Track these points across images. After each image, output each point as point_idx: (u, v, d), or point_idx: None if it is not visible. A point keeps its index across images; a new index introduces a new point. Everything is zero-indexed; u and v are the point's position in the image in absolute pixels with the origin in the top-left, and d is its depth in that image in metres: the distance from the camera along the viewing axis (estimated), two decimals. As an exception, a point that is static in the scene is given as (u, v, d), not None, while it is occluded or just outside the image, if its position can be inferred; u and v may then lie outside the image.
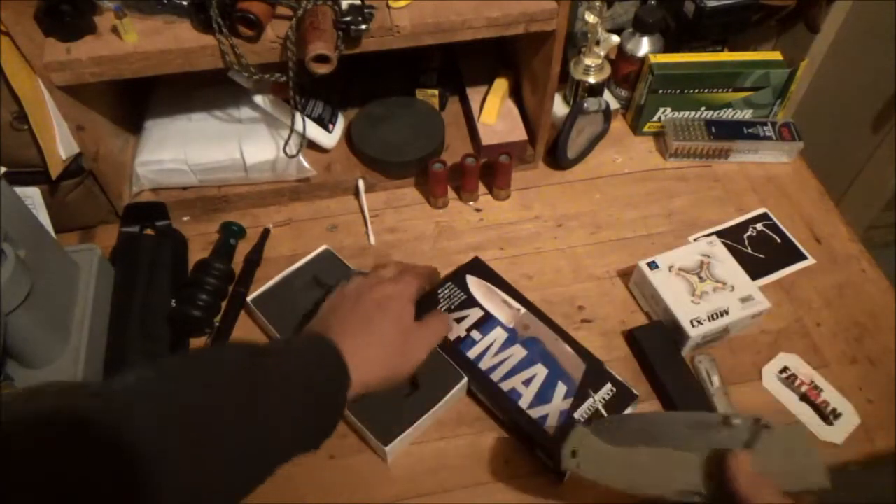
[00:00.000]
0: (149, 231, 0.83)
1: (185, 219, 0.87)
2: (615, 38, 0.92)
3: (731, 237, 0.85)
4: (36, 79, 0.68)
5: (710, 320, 0.72)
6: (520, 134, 0.90)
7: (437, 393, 0.68)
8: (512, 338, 0.72)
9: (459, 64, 0.97)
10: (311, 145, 0.88)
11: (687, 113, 0.95)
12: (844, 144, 1.38)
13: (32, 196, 0.73)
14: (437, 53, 0.95)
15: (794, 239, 0.86)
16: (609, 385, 0.68)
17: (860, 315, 0.79)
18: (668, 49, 0.94)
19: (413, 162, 0.88)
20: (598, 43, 0.90)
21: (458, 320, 0.73)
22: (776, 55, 0.93)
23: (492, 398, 0.68)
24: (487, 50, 0.95)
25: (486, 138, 0.89)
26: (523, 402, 0.67)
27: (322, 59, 0.65)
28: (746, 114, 0.96)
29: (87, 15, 0.68)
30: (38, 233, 0.67)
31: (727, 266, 0.76)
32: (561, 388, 0.68)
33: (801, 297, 0.80)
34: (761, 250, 0.84)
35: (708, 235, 0.84)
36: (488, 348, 0.71)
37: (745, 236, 0.86)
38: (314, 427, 0.50)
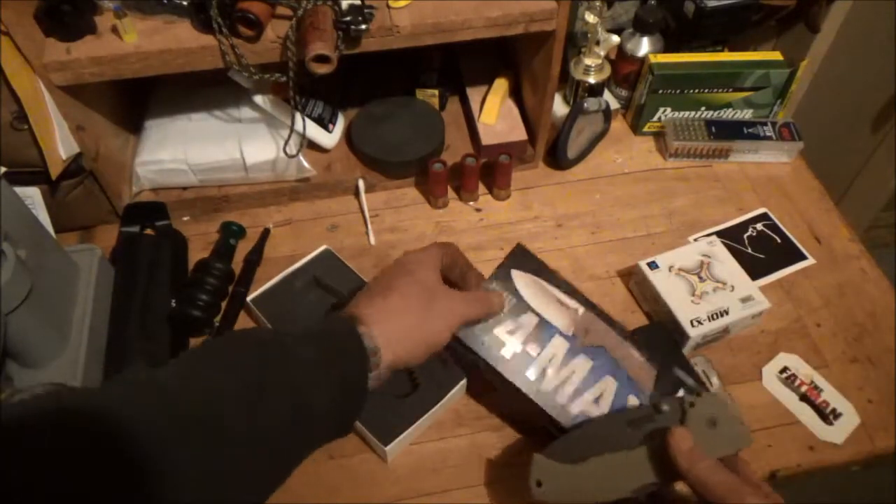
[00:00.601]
0: (149, 231, 0.83)
1: (185, 219, 0.87)
2: (615, 38, 0.92)
3: (731, 237, 0.85)
4: (36, 79, 0.68)
5: (710, 320, 0.72)
6: (520, 134, 0.90)
7: (437, 393, 0.68)
8: (574, 347, 0.61)
9: (459, 64, 0.97)
10: (311, 145, 0.88)
11: (687, 113, 0.95)
12: (844, 144, 1.38)
13: (32, 196, 0.73)
14: (437, 53, 0.95)
15: (794, 239, 0.86)
16: (682, 391, 0.67)
17: (860, 315, 0.79)
18: (668, 49, 0.94)
19: (413, 162, 0.88)
20: (598, 43, 0.90)
21: (511, 332, 0.60)
22: (776, 55, 0.93)
23: (559, 426, 0.60)
24: (487, 50, 0.95)
25: (486, 138, 0.89)
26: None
27: (322, 59, 0.65)
28: (746, 114, 0.96)
29: (87, 15, 0.68)
30: (38, 233, 0.67)
31: (727, 266, 0.76)
32: (633, 403, 0.61)
33: (801, 297, 0.80)
34: (761, 250, 0.84)
35: (708, 235, 0.84)
36: (549, 364, 0.60)
37: (745, 236, 0.86)
38: (338, 412, 0.49)
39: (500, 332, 0.60)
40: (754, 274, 0.79)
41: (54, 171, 0.72)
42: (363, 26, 0.68)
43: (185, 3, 0.68)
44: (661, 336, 0.74)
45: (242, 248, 0.83)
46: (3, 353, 0.61)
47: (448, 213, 0.89)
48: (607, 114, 0.92)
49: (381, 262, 0.83)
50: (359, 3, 0.69)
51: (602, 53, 0.91)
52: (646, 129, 0.97)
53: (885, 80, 1.26)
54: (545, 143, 0.91)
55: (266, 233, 0.85)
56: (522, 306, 0.61)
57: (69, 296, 0.70)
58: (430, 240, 0.85)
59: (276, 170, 0.85)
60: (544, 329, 0.61)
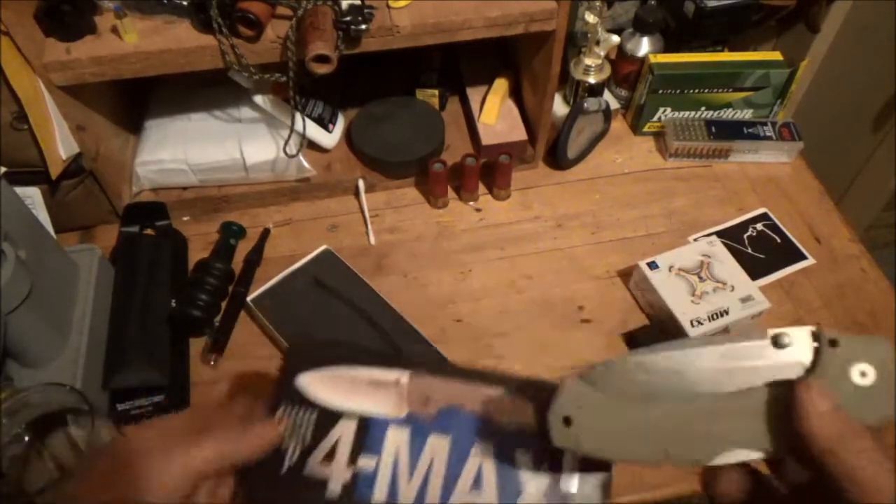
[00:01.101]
0: (149, 231, 0.83)
1: (185, 219, 0.87)
2: (615, 38, 0.92)
3: (731, 237, 0.85)
4: (36, 79, 0.68)
5: (710, 320, 0.72)
6: (520, 134, 0.90)
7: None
8: (418, 428, 0.43)
9: (459, 64, 0.97)
10: (311, 145, 0.88)
11: (687, 113, 0.95)
12: (844, 144, 1.38)
13: (32, 196, 0.73)
14: (437, 53, 0.95)
15: (794, 239, 0.86)
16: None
17: (860, 315, 0.79)
18: (668, 49, 0.94)
19: (413, 162, 0.88)
20: (598, 43, 0.90)
21: (328, 458, 0.42)
22: (776, 55, 0.93)
23: None
24: (487, 50, 0.95)
25: (486, 138, 0.89)
26: None
27: (322, 59, 0.65)
28: (746, 114, 0.96)
29: (87, 15, 0.68)
30: (38, 233, 0.67)
31: (727, 266, 0.76)
32: (523, 459, 0.42)
33: (801, 297, 0.80)
34: (761, 250, 0.84)
35: (708, 235, 0.84)
36: (395, 469, 0.42)
37: (745, 236, 0.86)
38: None
39: (312, 469, 0.41)
40: (754, 274, 0.79)
41: (54, 171, 0.72)
42: (363, 26, 0.68)
43: (185, 3, 0.68)
44: (660, 336, 0.74)
45: (242, 248, 0.83)
46: (3, 353, 0.61)
47: (448, 213, 0.89)
48: (607, 114, 0.92)
49: (382, 262, 0.83)
50: (359, 3, 0.69)
51: (602, 53, 0.91)
52: (646, 129, 0.97)
53: (885, 80, 1.26)
54: (545, 143, 0.91)
55: (266, 233, 0.85)
56: (329, 417, 0.43)
57: (69, 296, 0.70)
58: (429, 240, 0.85)
59: (276, 170, 0.85)
60: (370, 429, 0.43)
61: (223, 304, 0.77)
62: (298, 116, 0.77)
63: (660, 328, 0.75)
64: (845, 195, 1.51)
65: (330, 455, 0.42)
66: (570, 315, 0.78)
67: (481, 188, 0.90)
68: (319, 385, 0.44)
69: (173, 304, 0.74)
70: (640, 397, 0.36)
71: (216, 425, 0.39)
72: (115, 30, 0.68)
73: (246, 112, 0.85)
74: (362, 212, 0.88)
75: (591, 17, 0.87)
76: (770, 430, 0.35)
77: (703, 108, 0.94)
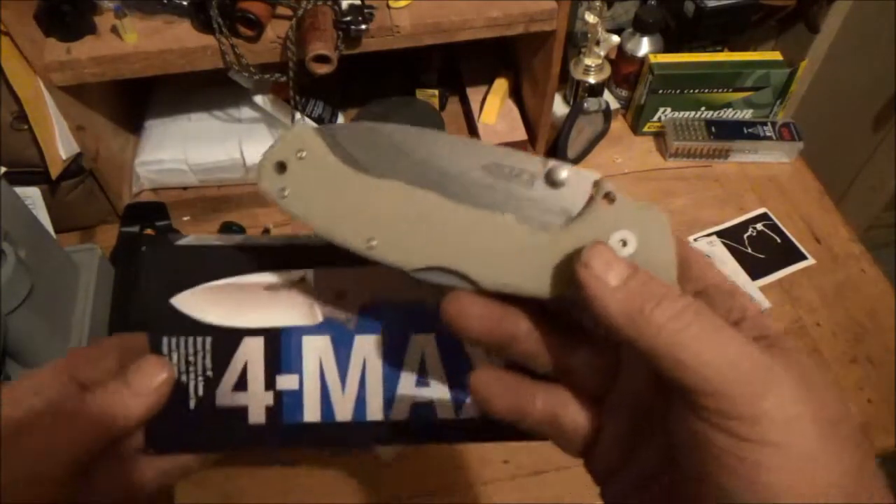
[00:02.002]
0: (149, 231, 0.83)
1: (185, 219, 0.87)
2: (615, 38, 0.92)
3: (731, 237, 0.85)
4: (36, 79, 0.68)
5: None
6: (520, 134, 0.90)
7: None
8: (340, 331, 0.34)
9: (459, 64, 0.97)
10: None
11: (687, 113, 0.95)
12: (844, 144, 1.38)
13: (32, 196, 0.73)
14: (437, 53, 0.95)
15: (794, 239, 0.86)
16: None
17: (860, 315, 0.79)
18: (668, 49, 0.94)
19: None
20: (598, 43, 0.90)
21: (240, 385, 0.34)
22: (776, 55, 0.93)
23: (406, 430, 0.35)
24: (487, 50, 0.95)
25: (486, 138, 0.89)
26: (442, 409, 0.34)
27: (322, 59, 0.65)
28: (746, 114, 0.96)
29: (87, 15, 0.68)
30: (38, 233, 0.67)
31: (727, 266, 0.76)
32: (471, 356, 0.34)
33: (801, 296, 0.80)
34: (761, 250, 0.84)
35: (708, 235, 0.84)
36: (323, 383, 0.34)
37: (745, 236, 0.86)
38: None
39: (223, 400, 0.33)
40: (754, 274, 0.79)
41: (54, 171, 0.72)
42: (363, 26, 0.68)
43: (185, 3, 0.68)
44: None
45: (242, 248, 0.83)
46: (3, 353, 0.61)
47: (448, 213, 0.89)
48: (607, 114, 0.92)
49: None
50: (359, 3, 0.69)
51: (602, 53, 0.91)
52: (646, 129, 0.97)
53: (885, 80, 1.26)
54: (545, 143, 0.91)
55: (266, 233, 0.85)
56: (227, 339, 0.34)
57: (69, 296, 0.70)
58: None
59: (276, 170, 0.85)
60: (282, 343, 0.34)
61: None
62: (298, 116, 0.77)
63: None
64: (845, 195, 1.51)
65: (241, 382, 0.34)
66: (570, 315, 0.78)
67: (481, 188, 0.90)
68: (202, 303, 0.34)
69: (173, 304, 0.74)
70: (370, 168, 0.29)
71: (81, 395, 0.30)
72: (115, 30, 0.68)
73: (246, 112, 0.85)
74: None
75: (591, 17, 0.87)
76: (506, 262, 0.28)
77: (703, 108, 0.94)
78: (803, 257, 0.84)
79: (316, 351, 0.34)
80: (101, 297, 0.72)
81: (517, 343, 0.27)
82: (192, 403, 0.33)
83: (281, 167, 0.29)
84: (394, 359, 0.34)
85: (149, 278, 0.34)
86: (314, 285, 0.34)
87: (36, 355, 0.64)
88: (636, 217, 0.27)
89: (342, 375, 0.34)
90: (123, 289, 0.75)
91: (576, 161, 0.93)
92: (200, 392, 0.33)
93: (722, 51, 0.98)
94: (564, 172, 0.28)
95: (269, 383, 0.34)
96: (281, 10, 0.70)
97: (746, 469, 0.21)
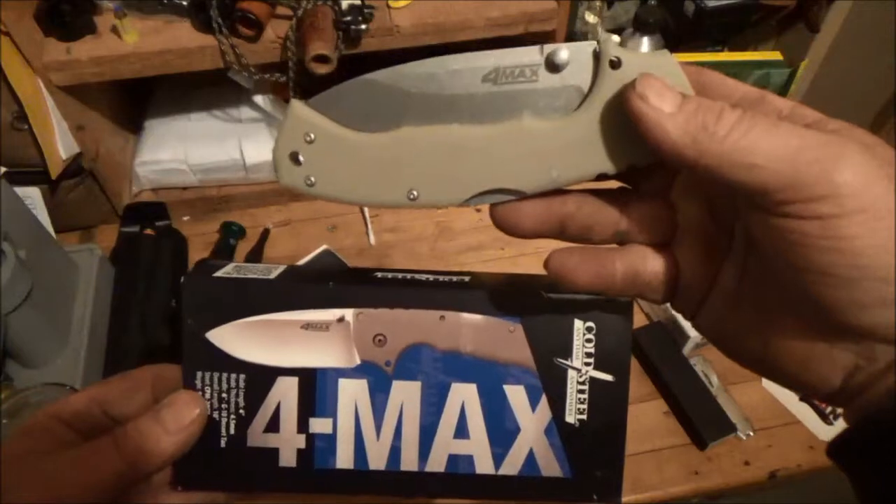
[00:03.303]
0: (149, 231, 0.83)
1: (185, 219, 0.87)
2: (615, 38, 0.92)
3: (731, 237, 0.85)
4: (36, 79, 0.68)
5: (710, 320, 0.72)
6: (520, 134, 0.90)
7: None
8: (378, 376, 0.33)
9: (459, 64, 0.97)
10: (311, 145, 0.88)
11: (687, 113, 0.95)
12: (844, 144, 1.38)
13: (32, 196, 0.73)
14: (437, 53, 0.95)
15: (794, 239, 0.85)
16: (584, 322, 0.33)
17: (860, 315, 0.79)
18: (668, 49, 0.94)
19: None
20: (598, 43, 0.90)
21: (272, 426, 0.33)
22: (776, 55, 0.93)
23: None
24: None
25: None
26: (481, 464, 0.33)
27: (322, 59, 0.65)
28: (746, 114, 0.96)
29: (87, 15, 0.68)
30: (38, 233, 0.67)
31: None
32: (515, 394, 0.33)
33: (801, 297, 0.80)
34: (761, 250, 0.84)
35: (708, 235, 0.84)
36: (358, 429, 0.33)
37: (745, 236, 0.86)
38: None
39: (255, 440, 0.33)
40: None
41: (54, 171, 0.72)
42: (363, 26, 0.68)
43: (185, 3, 0.68)
44: (661, 336, 0.74)
45: (242, 248, 0.83)
46: (3, 353, 0.61)
47: (448, 213, 0.89)
48: (607, 114, 0.92)
49: (382, 262, 0.83)
50: (359, 3, 0.69)
51: (602, 53, 0.91)
52: (646, 129, 0.97)
53: (885, 80, 1.26)
54: (545, 143, 0.91)
55: (266, 233, 0.85)
56: (261, 377, 0.33)
57: (69, 296, 0.70)
58: (429, 240, 0.85)
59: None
60: (317, 385, 0.33)
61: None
62: (292, 100, 0.77)
63: (660, 328, 0.75)
64: (845, 195, 1.51)
65: (274, 423, 0.33)
66: (570, 315, 0.78)
67: (481, 188, 0.90)
68: (238, 339, 0.33)
69: (173, 304, 0.74)
70: (380, 125, 0.28)
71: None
72: (115, 30, 0.68)
73: (246, 112, 0.85)
74: (362, 212, 0.88)
75: (591, 17, 0.87)
76: (542, 161, 0.28)
77: (703, 108, 0.94)
78: (803, 257, 0.84)
79: (352, 395, 0.33)
80: (101, 297, 0.72)
81: (571, 221, 0.28)
82: (223, 442, 0.33)
83: (295, 158, 0.28)
84: (432, 407, 0.33)
85: (188, 309, 0.33)
86: (353, 326, 0.33)
87: (36, 355, 0.65)
88: (646, 65, 0.27)
89: (377, 422, 0.33)
90: (123, 289, 0.75)
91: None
92: (232, 430, 0.33)
93: (722, 51, 0.98)
94: (564, 53, 0.27)
95: (302, 426, 0.33)
96: (281, 10, 0.70)
97: (836, 244, 0.22)
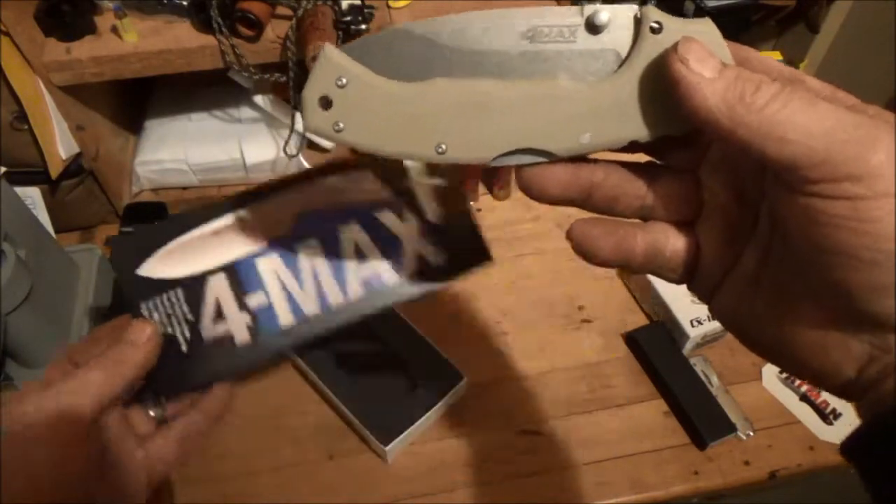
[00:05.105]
0: (149, 231, 0.83)
1: (185, 219, 0.87)
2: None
3: (731, 237, 0.85)
4: (36, 79, 0.68)
5: (710, 320, 0.72)
6: (520, 134, 0.90)
7: (437, 393, 0.68)
8: (284, 248, 0.41)
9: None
10: (311, 145, 0.88)
11: (687, 113, 0.95)
12: (844, 144, 1.38)
13: (32, 196, 0.73)
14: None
15: (794, 239, 0.85)
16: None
17: (860, 315, 0.79)
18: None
19: (413, 162, 0.87)
20: (598, 43, 0.90)
21: (218, 317, 0.40)
22: (776, 55, 0.93)
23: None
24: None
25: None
26: (387, 276, 0.40)
27: (322, 59, 0.65)
28: (746, 114, 0.96)
29: (87, 15, 0.68)
30: (38, 233, 0.67)
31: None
32: (387, 218, 0.41)
33: (801, 297, 0.80)
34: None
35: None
36: (286, 290, 0.40)
37: (745, 236, 0.86)
38: None
39: (209, 333, 0.39)
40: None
41: (54, 171, 0.72)
42: (363, 26, 0.68)
43: (185, 3, 0.68)
44: (661, 336, 0.74)
45: (242, 248, 0.83)
46: (3, 353, 0.61)
47: (448, 213, 0.89)
48: (607, 114, 0.92)
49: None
50: (359, 3, 0.69)
51: (602, 53, 0.91)
52: (646, 129, 0.97)
53: (885, 80, 1.26)
54: (545, 143, 0.91)
55: (266, 233, 0.85)
56: (194, 285, 0.40)
57: (69, 296, 0.70)
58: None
59: (276, 170, 0.85)
60: (239, 272, 0.40)
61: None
62: (298, 116, 0.77)
63: (660, 328, 0.75)
64: (845, 195, 1.51)
65: (219, 314, 0.40)
66: (570, 315, 0.78)
67: (481, 188, 0.90)
68: (163, 265, 0.40)
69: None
70: (413, 75, 0.28)
71: (89, 358, 0.36)
72: (115, 30, 0.68)
73: (246, 112, 0.85)
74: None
75: (591, 17, 0.87)
76: (575, 123, 0.28)
77: (703, 108, 0.94)
78: (803, 257, 0.84)
79: (271, 268, 0.40)
80: (101, 297, 0.72)
81: (598, 190, 0.28)
82: (184, 347, 0.39)
83: (325, 102, 0.28)
84: (334, 252, 0.40)
85: (116, 263, 0.41)
86: (250, 219, 0.40)
87: (36, 355, 0.64)
88: (688, 32, 0.26)
89: (298, 279, 0.40)
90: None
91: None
92: (188, 335, 0.39)
93: (722, 51, 0.98)
94: (604, 15, 0.27)
95: (242, 305, 0.39)
96: (281, 10, 0.70)
97: (866, 227, 0.21)
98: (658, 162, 0.29)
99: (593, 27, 0.27)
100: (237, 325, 0.39)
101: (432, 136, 0.28)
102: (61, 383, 0.34)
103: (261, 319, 0.39)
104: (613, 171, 0.28)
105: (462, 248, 0.40)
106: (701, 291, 0.29)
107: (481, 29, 0.27)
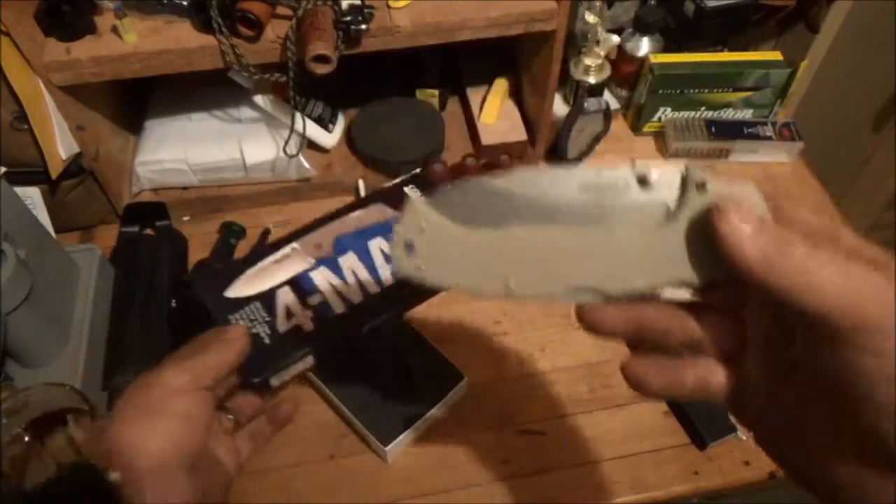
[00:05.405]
0: (149, 231, 0.83)
1: (185, 219, 0.87)
2: (615, 38, 0.92)
3: (731, 237, 0.85)
4: (36, 79, 0.68)
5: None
6: (520, 134, 0.90)
7: (437, 393, 0.68)
8: (329, 262, 0.57)
9: (459, 64, 0.97)
10: (311, 145, 0.88)
11: (687, 113, 0.95)
12: (844, 144, 1.38)
13: (32, 196, 0.73)
14: (437, 53, 0.95)
15: (794, 239, 0.85)
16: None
17: (860, 315, 0.79)
18: (668, 49, 0.94)
19: (413, 162, 0.87)
20: (598, 43, 0.90)
21: (288, 317, 0.53)
22: (776, 55, 0.93)
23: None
24: (487, 50, 0.95)
25: (486, 138, 0.89)
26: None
27: (322, 59, 0.65)
28: (746, 114, 0.96)
29: (87, 15, 0.68)
30: (38, 233, 0.67)
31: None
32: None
33: (801, 297, 0.80)
34: (761, 250, 0.84)
35: (708, 235, 0.84)
36: (334, 289, 0.56)
37: (745, 236, 0.86)
38: None
39: (284, 328, 0.53)
40: (754, 274, 0.79)
41: (54, 171, 0.72)
42: (363, 26, 0.68)
43: (185, 3, 0.68)
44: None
45: (242, 248, 0.83)
46: (3, 353, 0.61)
47: (448, 213, 0.89)
48: (607, 114, 0.92)
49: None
50: (359, 3, 0.69)
51: (602, 53, 0.91)
52: (646, 129, 0.97)
53: (885, 80, 1.26)
54: (545, 143, 0.91)
55: (266, 233, 0.85)
56: (267, 297, 0.54)
57: (69, 296, 0.70)
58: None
59: (276, 170, 0.85)
60: (300, 283, 0.55)
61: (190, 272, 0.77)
62: (298, 116, 0.77)
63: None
64: (845, 195, 1.51)
65: (288, 314, 0.53)
66: (570, 315, 0.78)
67: (481, 188, 0.90)
68: (244, 287, 0.56)
69: (173, 304, 0.74)
70: (486, 222, 0.33)
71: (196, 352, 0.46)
72: (115, 30, 0.68)
73: (246, 112, 0.85)
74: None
75: (591, 17, 0.87)
76: (631, 269, 0.31)
77: (703, 108, 0.94)
78: (803, 257, 0.84)
79: (322, 277, 0.55)
80: (101, 297, 0.72)
81: (650, 325, 0.31)
82: (267, 340, 0.52)
83: (409, 247, 0.33)
84: (367, 258, 0.57)
85: (205, 291, 0.54)
86: (302, 248, 0.57)
87: (36, 355, 0.65)
88: (730, 191, 0.30)
89: (343, 280, 0.55)
90: (123, 289, 0.75)
91: (576, 161, 0.93)
92: (269, 331, 0.52)
93: (722, 51, 0.98)
94: (654, 174, 0.31)
95: (305, 305, 0.53)
96: (281, 10, 0.70)
97: (890, 378, 0.23)
98: (705, 302, 0.31)
99: (644, 182, 0.31)
100: (304, 318, 0.53)
101: (501, 276, 0.32)
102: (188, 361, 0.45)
103: (319, 311, 0.53)
104: (663, 310, 0.31)
105: None
106: (745, 421, 0.31)
107: (547, 181, 0.31)
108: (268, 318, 0.54)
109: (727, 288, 0.30)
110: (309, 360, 0.56)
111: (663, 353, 0.31)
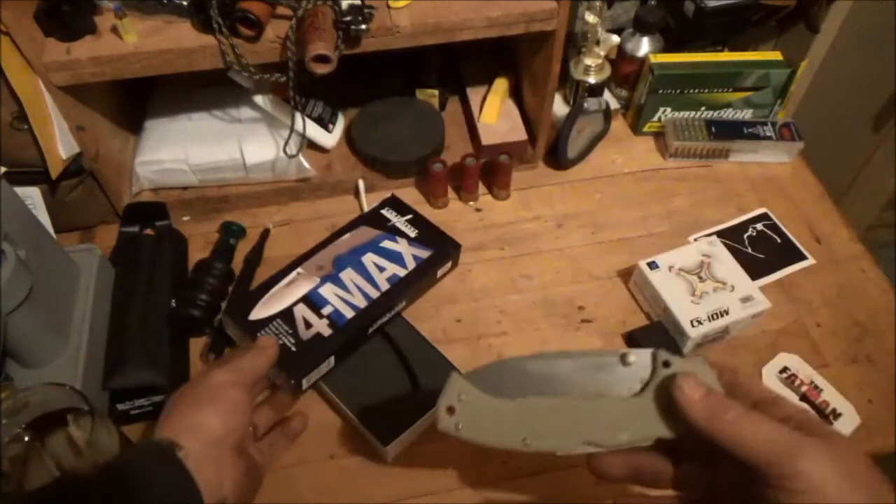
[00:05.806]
0: (149, 231, 0.82)
1: (185, 219, 0.87)
2: (615, 38, 0.92)
3: (731, 237, 0.85)
4: (36, 79, 0.68)
5: (710, 320, 0.72)
6: (520, 134, 0.90)
7: (437, 393, 0.68)
8: (333, 278, 0.74)
9: (459, 64, 0.97)
10: (311, 145, 0.88)
11: (687, 113, 0.95)
12: (844, 144, 1.38)
13: (32, 196, 0.73)
14: (437, 53, 0.95)
15: (794, 239, 0.86)
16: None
17: (860, 315, 0.79)
18: (668, 49, 0.94)
19: (413, 162, 0.88)
20: (598, 43, 0.90)
21: (307, 327, 0.69)
22: (776, 55, 0.93)
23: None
24: (487, 50, 0.95)
25: (486, 138, 0.89)
26: (400, 273, 0.75)
27: (322, 59, 0.65)
28: (746, 114, 0.96)
29: (87, 15, 0.68)
30: (38, 233, 0.67)
31: (727, 266, 0.76)
32: (388, 240, 0.78)
33: (801, 297, 0.80)
34: (761, 250, 0.84)
35: (708, 235, 0.84)
36: (343, 299, 0.72)
37: (745, 236, 0.86)
38: None
39: (305, 336, 0.68)
40: (754, 274, 0.79)
41: (54, 171, 0.72)
42: (363, 26, 0.68)
43: (185, 3, 0.68)
44: (660, 336, 0.74)
45: (242, 248, 0.83)
46: (3, 353, 0.61)
47: (448, 213, 0.89)
48: (607, 114, 0.92)
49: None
50: (359, 3, 0.69)
51: (602, 53, 0.91)
52: (646, 129, 0.97)
53: (885, 80, 1.26)
54: (545, 143, 0.91)
55: (266, 233, 0.85)
56: (286, 313, 0.70)
57: (69, 296, 0.70)
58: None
59: (276, 170, 0.85)
60: (312, 298, 0.71)
61: (223, 305, 0.77)
62: (298, 116, 0.77)
63: (660, 328, 0.75)
64: (845, 195, 1.51)
65: (307, 324, 0.69)
66: (570, 315, 0.78)
67: (481, 188, 0.90)
68: (264, 310, 0.70)
69: (173, 304, 0.74)
70: (509, 394, 0.45)
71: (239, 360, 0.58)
72: (115, 30, 0.68)
73: (246, 112, 0.85)
74: (362, 212, 0.88)
75: (591, 17, 0.87)
76: (617, 427, 0.43)
77: (703, 108, 0.94)
78: (803, 257, 0.84)
79: (329, 291, 0.72)
80: (101, 297, 0.72)
81: (645, 469, 0.45)
82: (294, 349, 0.66)
83: (450, 410, 0.45)
84: (363, 271, 0.74)
85: (234, 316, 0.70)
86: (306, 271, 0.74)
87: (36, 355, 0.65)
88: (687, 367, 0.43)
89: (348, 290, 0.72)
90: (123, 289, 0.75)
91: (576, 161, 0.93)
92: (293, 341, 0.67)
93: (722, 51, 0.98)
94: (632, 356, 0.45)
95: (320, 315, 0.70)
96: (281, 10, 0.70)
97: None
98: (682, 450, 0.44)
99: (626, 363, 0.45)
100: (321, 326, 0.69)
101: (521, 434, 0.44)
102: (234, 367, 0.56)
103: (334, 318, 0.70)
104: (651, 458, 0.44)
105: (437, 242, 0.79)
106: None
107: (554, 362, 0.45)
108: (290, 331, 0.68)
109: (693, 441, 0.40)
110: (331, 362, 0.68)
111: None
